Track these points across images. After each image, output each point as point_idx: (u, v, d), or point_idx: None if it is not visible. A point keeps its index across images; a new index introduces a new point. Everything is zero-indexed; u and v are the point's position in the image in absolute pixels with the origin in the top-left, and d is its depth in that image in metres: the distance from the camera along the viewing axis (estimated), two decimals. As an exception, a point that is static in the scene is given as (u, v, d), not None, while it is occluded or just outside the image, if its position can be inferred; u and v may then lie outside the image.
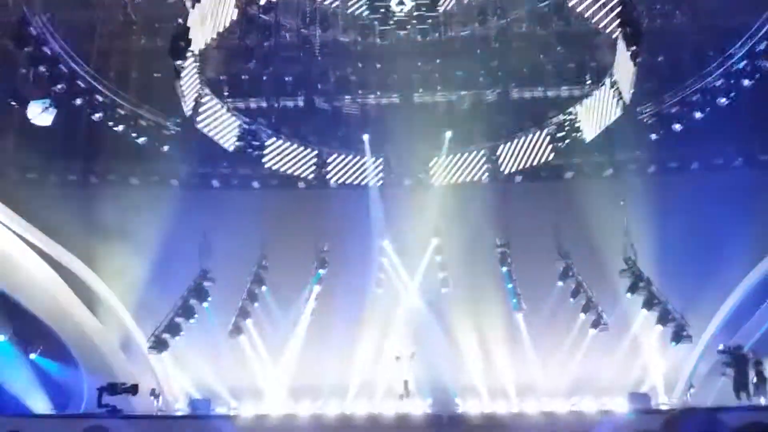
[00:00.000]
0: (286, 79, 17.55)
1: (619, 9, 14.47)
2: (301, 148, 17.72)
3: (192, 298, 17.20)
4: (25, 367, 16.13)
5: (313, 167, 17.78)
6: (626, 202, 16.74)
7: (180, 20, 14.31)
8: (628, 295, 16.79)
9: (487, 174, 17.78)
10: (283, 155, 17.62)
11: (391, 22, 16.23)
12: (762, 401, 14.20)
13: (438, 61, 17.30)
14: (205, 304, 17.33)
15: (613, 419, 13.87)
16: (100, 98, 16.14)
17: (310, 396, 16.46)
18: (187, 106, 15.84)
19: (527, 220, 17.22)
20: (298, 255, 17.77)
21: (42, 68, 15.21)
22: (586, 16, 15.33)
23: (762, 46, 15.28)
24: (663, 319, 16.27)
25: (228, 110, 17.01)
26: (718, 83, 15.93)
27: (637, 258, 16.74)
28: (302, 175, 17.83)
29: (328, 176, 17.94)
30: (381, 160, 18.01)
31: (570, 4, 15.55)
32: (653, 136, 16.78)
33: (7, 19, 15.12)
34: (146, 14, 17.00)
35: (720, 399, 15.21)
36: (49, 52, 15.17)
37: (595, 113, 16.53)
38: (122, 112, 16.44)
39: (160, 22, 16.41)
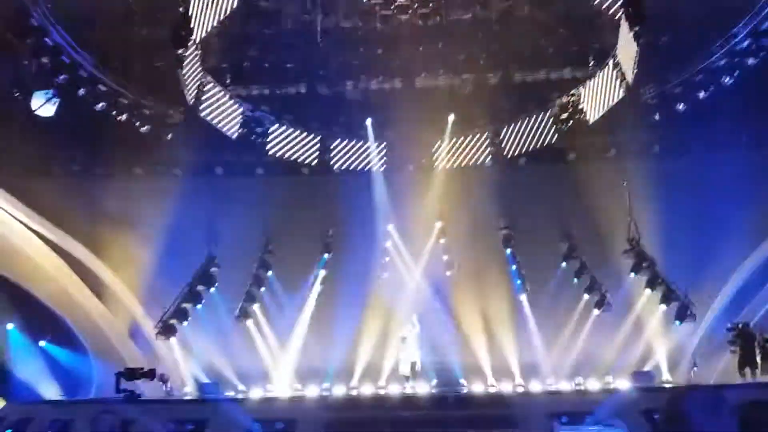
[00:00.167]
0: (288, 65, 17.58)
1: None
2: (304, 135, 17.76)
3: (199, 284, 17.40)
4: (35, 355, 16.37)
5: (317, 153, 17.83)
6: (629, 182, 16.71)
7: (181, 9, 14.30)
8: (632, 275, 16.86)
9: (490, 157, 17.82)
10: (287, 142, 17.68)
11: (393, 7, 16.17)
12: (766, 378, 14.30)
13: (440, 45, 17.27)
14: (212, 290, 17.53)
15: (617, 398, 13.98)
16: (103, 88, 16.19)
17: (316, 379, 16.68)
18: (190, 95, 15.88)
19: (531, 203, 17.20)
20: (303, 240, 17.87)
21: (44, 59, 15.21)
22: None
23: (766, 25, 15.13)
24: (666, 299, 16.36)
25: (230, 98, 17.03)
26: (722, 63, 15.85)
27: (641, 238, 16.79)
28: (306, 162, 17.89)
29: (331, 162, 18.00)
30: (384, 145, 18.04)
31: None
32: (656, 117, 16.74)
33: (9, 11, 15.11)
34: (147, 3, 16.97)
35: (723, 377, 15.33)
36: (50, 43, 15.18)
37: (598, 95, 16.48)
38: (125, 102, 16.51)
39: (162, 11, 16.37)
